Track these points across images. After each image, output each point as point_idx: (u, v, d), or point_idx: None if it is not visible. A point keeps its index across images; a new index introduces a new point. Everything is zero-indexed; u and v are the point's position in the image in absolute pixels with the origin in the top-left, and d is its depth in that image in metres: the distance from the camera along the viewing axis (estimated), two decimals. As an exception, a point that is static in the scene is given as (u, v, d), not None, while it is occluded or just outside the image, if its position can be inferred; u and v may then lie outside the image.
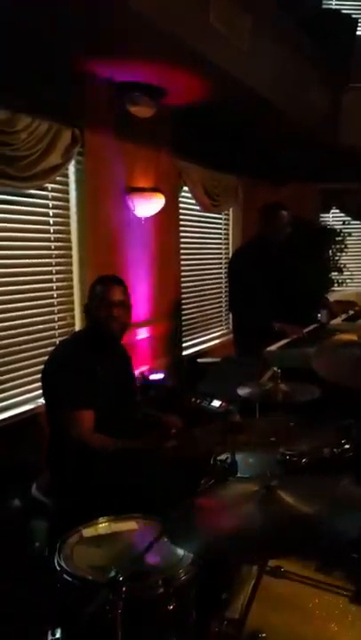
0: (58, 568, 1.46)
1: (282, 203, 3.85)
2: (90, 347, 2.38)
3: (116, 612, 1.23)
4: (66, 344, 2.59)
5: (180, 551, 1.50)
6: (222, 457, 1.52)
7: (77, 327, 3.31)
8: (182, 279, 4.56)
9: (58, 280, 3.22)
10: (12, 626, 2.09)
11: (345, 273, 6.09)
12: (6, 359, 2.89)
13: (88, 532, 1.63)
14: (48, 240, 3.19)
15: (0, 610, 2.24)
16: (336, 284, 6.05)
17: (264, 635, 1.34)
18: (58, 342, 3.01)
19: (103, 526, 1.65)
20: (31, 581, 2.16)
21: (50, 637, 1.44)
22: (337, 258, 6.03)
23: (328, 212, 6.55)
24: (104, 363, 2.36)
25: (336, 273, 6.06)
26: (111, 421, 2.27)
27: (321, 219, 6.50)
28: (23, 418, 2.91)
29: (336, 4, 5.61)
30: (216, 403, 2.59)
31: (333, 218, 6.59)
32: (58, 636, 1.44)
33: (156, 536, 1.33)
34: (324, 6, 5.40)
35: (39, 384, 2.56)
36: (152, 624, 1.40)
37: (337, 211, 6.53)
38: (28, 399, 2.98)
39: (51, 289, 3.18)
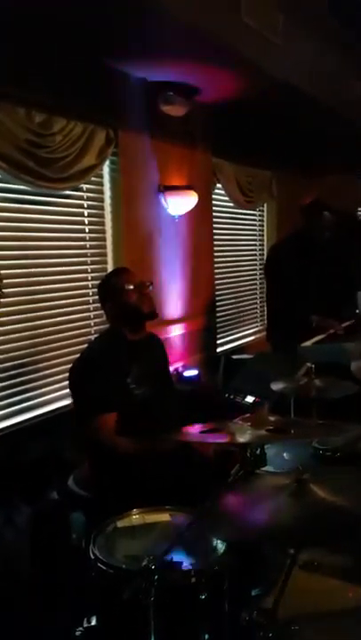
0: (92, 557, 1.50)
1: (324, 202, 3.78)
2: (118, 345, 2.37)
3: (148, 600, 1.26)
4: (90, 347, 2.50)
5: (213, 542, 1.51)
6: (254, 449, 1.53)
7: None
8: (216, 276, 4.56)
9: (93, 279, 3.27)
10: (51, 613, 2.15)
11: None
12: (44, 355, 2.96)
13: (122, 523, 1.66)
14: (83, 239, 3.25)
15: (40, 599, 2.31)
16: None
17: (297, 627, 1.34)
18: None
19: (137, 517, 1.68)
20: (69, 571, 2.22)
21: (85, 624, 1.48)
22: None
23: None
24: (136, 357, 2.37)
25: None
26: (152, 412, 2.28)
27: (360, 212, 6.37)
28: (60, 413, 2.98)
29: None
30: (250, 398, 2.59)
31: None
32: (93, 623, 1.48)
33: (189, 526, 1.35)
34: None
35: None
36: (184, 613, 1.42)
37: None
38: (65, 395, 3.04)
39: (86, 287, 3.24)
